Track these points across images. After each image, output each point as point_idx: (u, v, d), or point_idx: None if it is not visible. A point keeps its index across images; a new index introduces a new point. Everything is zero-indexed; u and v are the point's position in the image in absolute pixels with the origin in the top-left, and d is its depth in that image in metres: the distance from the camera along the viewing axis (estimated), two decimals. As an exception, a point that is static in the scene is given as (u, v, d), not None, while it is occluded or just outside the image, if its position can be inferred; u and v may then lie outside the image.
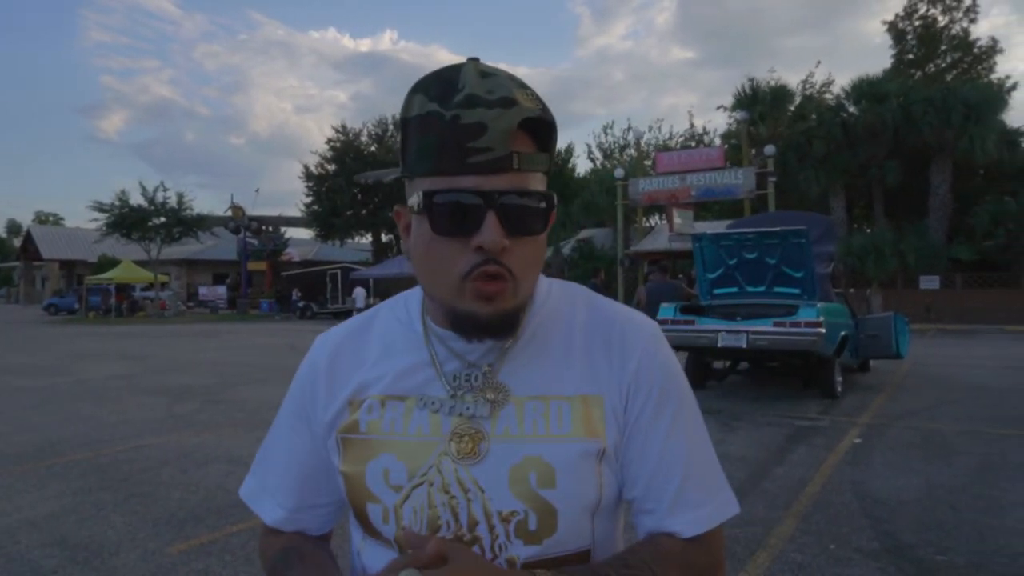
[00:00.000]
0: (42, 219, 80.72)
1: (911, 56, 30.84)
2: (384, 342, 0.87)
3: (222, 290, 38.21)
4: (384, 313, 0.91)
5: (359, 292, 27.20)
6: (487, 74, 0.73)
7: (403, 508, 0.79)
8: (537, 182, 0.75)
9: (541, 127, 0.75)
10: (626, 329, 0.85)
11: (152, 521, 4.07)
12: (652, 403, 0.82)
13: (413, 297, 0.89)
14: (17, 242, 57.83)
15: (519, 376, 0.81)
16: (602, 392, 0.81)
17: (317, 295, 32.21)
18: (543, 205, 0.75)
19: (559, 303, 0.87)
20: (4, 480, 4.99)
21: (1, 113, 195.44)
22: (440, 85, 0.72)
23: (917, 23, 30.41)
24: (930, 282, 22.51)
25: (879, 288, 22.74)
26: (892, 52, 31.08)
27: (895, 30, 30.90)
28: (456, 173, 0.71)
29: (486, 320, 0.75)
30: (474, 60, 0.75)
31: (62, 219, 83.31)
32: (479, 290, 0.73)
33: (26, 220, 73.67)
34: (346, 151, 39.41)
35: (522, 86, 0.74)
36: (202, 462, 5.44)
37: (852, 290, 21.06)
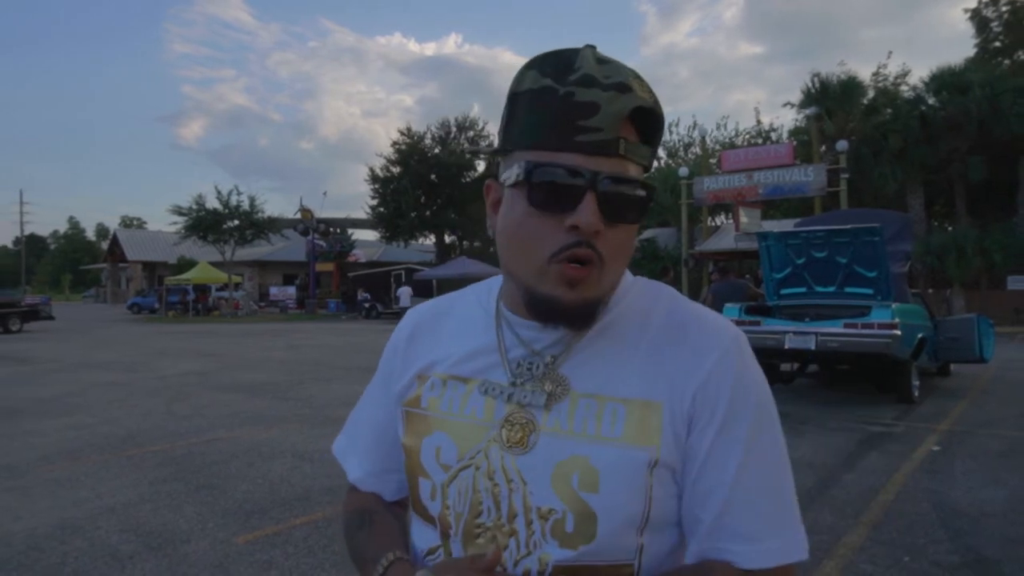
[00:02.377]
0: (127, 223, 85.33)
1: (997, 44, 29.11)
2: (461, 323, 0.89)
3: (292, 290, 39.39)
4: (469, 295, 0.92)
5: (404, 291, 27.78)
6: (604, 60, 0.73)
7: (449, 488, 0.79)
8: (637, 173, 0.75)
9: (650, 120, 0.74)
10: (702, 333, 0.79)
11: (221, 512, 4.23)
12: (719, 417, 0.75)
13: (496, 282, 0.90)
14: (105, 245, 61.14)
15: (581, 371, 0.78)
16: (663, 399, 0.76)
17: (382, 295, 32.88)
18: (642, 194, 0.74)
19: (639, 300, 0.84)
20: (88, 468, 5.27)
21: (91, 124, 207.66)
22: (556, 63, 0.72)
23: (1004, 9, 28.67)
24: (1019, 282, 21.23)
25: (961, 289, 21.60)
26: (975, 41, 29.47)
27: (979, 17, 29.24)
28: (561, 149, 0.71)
29: (567, 306, 0.73)
30: (591, 47, 0.75)
31: (145, 223, 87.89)
32: (564, 274, 0.72)
33: (113, 224, 77.94)
34: (411, 153, 40.04)
35: (638, 77, 0.74)
36: (268, 456, 5.62)
37: (931, 291, 20.08)
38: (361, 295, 32.90)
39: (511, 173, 0.74)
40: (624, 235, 0.75)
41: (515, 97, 0.74)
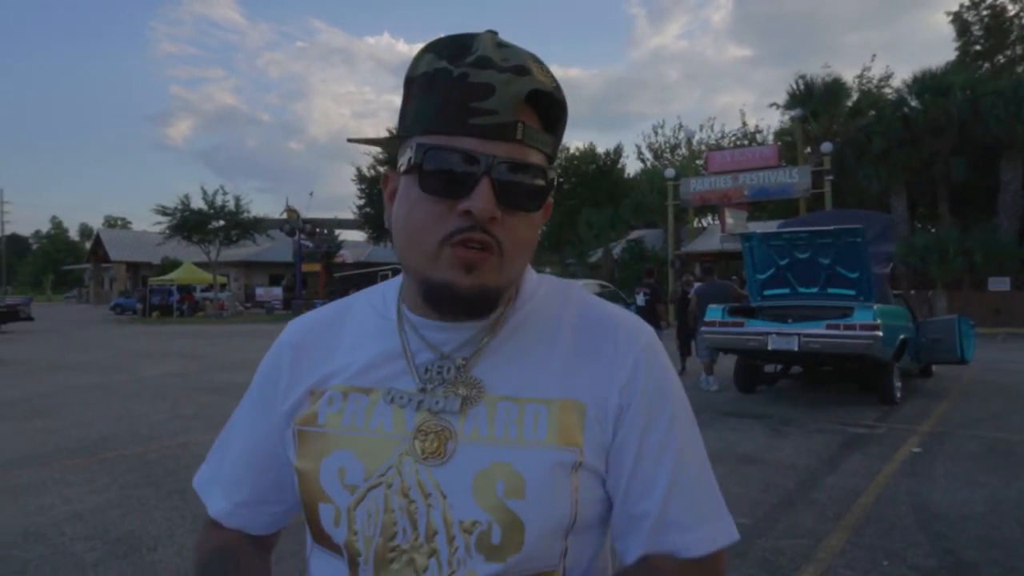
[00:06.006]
0: (111, 223, 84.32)
1: (977, 47, 29.47)
2: (356, 331, 0.82)
3: (278, 291, 39.11)
4: (361, 301, 0.86)
5: None
6: (503, 44, 0.70)
7: (356, 510, 0.72)
8: (538, 161, 0.71)
9: (551, 107, 0.71)
10: (619, 334, 0.78)
11: (191, 517, 4.13)
12: (641, 416, 0.74)
13: (391, 286, 0.84)
14: (88, 245, 60.45)
15: (496, 373, 0.74)
16: (585, 398, 0.74)
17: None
18: (541, 182, 0.71)
19: (548, 299, 0.81)
20: (57, 473, 5.15)
21: (78, 123, 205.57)
22: (453, 46, 0.70)
23: (984, 13, 29.04)
24: (1000, 283, 21.43)
25: (943, 290, 21.77)
26: (956, 44, 29.80)
27: (960, 21, 29.58)
28: (455, 132, 0.67)
29: (464, 292, 0.69)
30: (492, 32, 0.72)
31: (130, 223, 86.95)
32: (459, 256, 0.68)
33: (97, 224, 76.88)
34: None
35: (538, 61, 0.71)
36: (244, 460, 5.51)
37: (913, 292, 20.22)
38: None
39: (404, 159, 0.71)
40: (523, 225, 0.71)
41: (411, 81, 0.71)
